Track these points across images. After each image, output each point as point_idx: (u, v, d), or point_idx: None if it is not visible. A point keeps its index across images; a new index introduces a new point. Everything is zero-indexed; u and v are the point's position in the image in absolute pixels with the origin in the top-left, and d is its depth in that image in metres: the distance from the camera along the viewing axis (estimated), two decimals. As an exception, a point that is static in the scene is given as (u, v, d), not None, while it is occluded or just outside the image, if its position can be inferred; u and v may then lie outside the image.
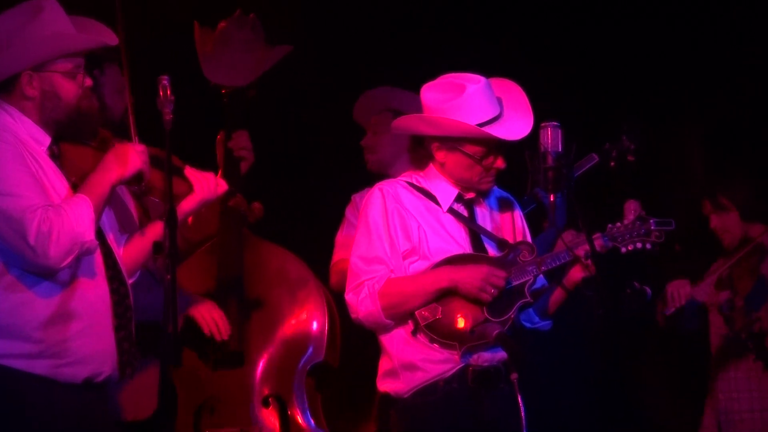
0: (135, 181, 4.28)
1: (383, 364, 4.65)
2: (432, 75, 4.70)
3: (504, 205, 4.81)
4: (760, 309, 5.77)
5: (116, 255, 4.37)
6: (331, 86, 6.67)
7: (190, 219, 5.08)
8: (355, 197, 5.64)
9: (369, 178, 5.51)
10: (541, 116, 4.67)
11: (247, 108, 5.53)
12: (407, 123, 4.70)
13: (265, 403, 5.33)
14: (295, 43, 5.65)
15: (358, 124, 5.87)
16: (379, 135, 5.62)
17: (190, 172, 4.46)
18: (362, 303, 4.57)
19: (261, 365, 5.38)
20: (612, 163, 4.99)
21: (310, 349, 5.42)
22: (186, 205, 4.42)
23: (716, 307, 5.85)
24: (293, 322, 5.44)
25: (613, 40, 6.76)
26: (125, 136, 4.43)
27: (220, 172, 5.28)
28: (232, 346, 5.29)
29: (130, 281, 4.42)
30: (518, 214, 4.83)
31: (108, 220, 4.40)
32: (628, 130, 4.86)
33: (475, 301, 4.52)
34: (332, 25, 6.67)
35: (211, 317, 5.22)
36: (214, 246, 5.50)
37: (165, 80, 4.08)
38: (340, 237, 5.59)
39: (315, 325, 5.44)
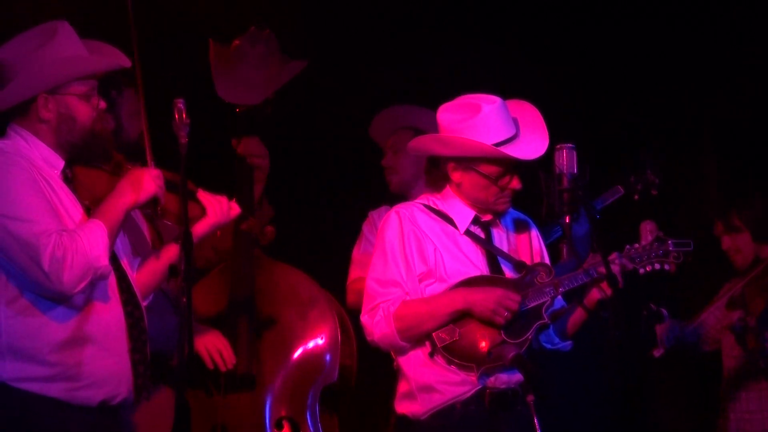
0: (150, 205, 4.27)
1: (401, 387, 4.64)
2: (447, 87, 4.70)
3: (521, 227, 4.81)
4: None
5: (130, 278, 4.36)
6: (343, 99, 6.66)
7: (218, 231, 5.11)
8: (373, 214, 5.64)
9: (384, 194, 5.50)
10: (556, 138, 4.67)
11: (262, 124, 5.50)
12: (423, 144, 4.70)
13: (279, 426, 5.31)
14: (309, 56, 5.62)
15: (374, 141, 5.85)
16: (400, 155, 5.60)
17: (203, 195, 4.46)
18: (377, 325, 4.56)
19: (273, 387, 5.35)
20: (636, 197, 4.98)
21: (323, 370, 5.40)
22: (199, 229, 4.41)
23: (728, 328, 5.83)
24: (305, 342, 5.42)
25: (624, 48, 6.77)
26: (140, 160, 4.41)
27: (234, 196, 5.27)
28: (242, 368, 5.28)
29: (144, 304, 4.42)
30: (535, 235, 4.82)
31: (122, 243, 4.39)
32: (651, 164, 4.85)
33: (491, 323, 4.51)
34: (339, 33, 6.65)
35: (214, 347, 5.22)
36: (226, 267, 5.49)
37: (180, 103, 4.08)
38: (357, 254, 5.58)
39: (327, 345, 5.42)
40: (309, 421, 5.36)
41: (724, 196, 6.60)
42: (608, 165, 5.58)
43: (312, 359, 5.41)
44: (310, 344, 5.42)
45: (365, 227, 5.64)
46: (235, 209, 4.51)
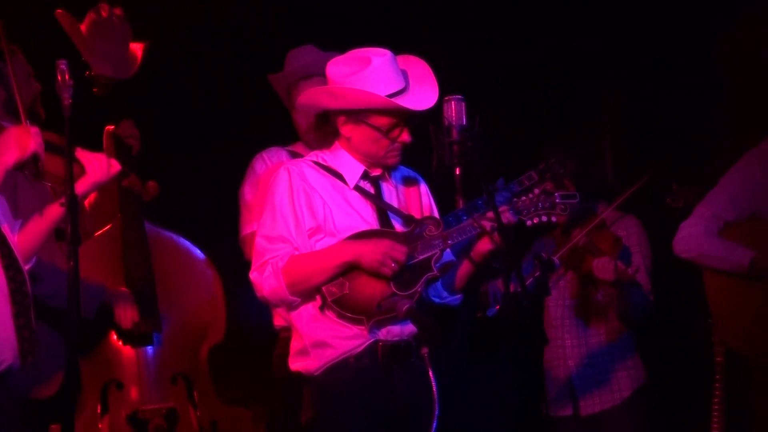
0: (30, 165, 4.17)
1: (294, 344, 4.63)
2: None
3: (410, 183, 4.81)
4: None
5: (11, 242, 4.27)
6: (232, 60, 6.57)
7: (87, 206, 5.04)
8: (264, 154, 5.50)
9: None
10: (444, 90, 4.65)
11: (130, 97, 5.51)
12: (313, 98, 4.65)
13: (174, 382, 5.37)
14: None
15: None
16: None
17: (81, 154, 4.38)
18: (266, 281, 4.53)
19: (167, 345, 5.41)
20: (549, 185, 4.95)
21: (210, 329, 5.55)
22: (80, 188, 4.33)
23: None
24: (193, 303, 5.54)
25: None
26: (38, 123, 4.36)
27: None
28: (143, 327, 5.32)
29: (26, 267, 4.33)
30: (425, 190, 4.83)
31: (0, 208, 4.29)
32: (558, 158, 4.82)
33: (379, 275, 4.50)
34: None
35: (123, 306, 5.27)
36: (115, 233, 5.45)
37: (63, 65, 4.03)
38: (250, 197, 5.43)
39: (213, 306, 5.57)
40: (201, 377, 5.46)
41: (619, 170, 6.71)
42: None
43: (199, 319, 5.54)
44: (198, 305, 5.55)
45: (257, 164, 5.50)
46: (115, 166, 4.46)
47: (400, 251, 4.49)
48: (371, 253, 4.48)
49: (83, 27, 5.43)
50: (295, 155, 5.31)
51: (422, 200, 4.78)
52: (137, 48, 5.59)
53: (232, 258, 5.45)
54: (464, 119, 4.69)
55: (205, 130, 6.54)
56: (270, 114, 5.77)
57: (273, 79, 5.56)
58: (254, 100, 6.09)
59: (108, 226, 5.43)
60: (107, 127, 5.49)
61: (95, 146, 4.91)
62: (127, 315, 5.25)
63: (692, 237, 5.38)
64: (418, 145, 4.65)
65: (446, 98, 4.69)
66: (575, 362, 5.77)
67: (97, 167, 4.36)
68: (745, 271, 5.20)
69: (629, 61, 6.68)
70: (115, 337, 5.31)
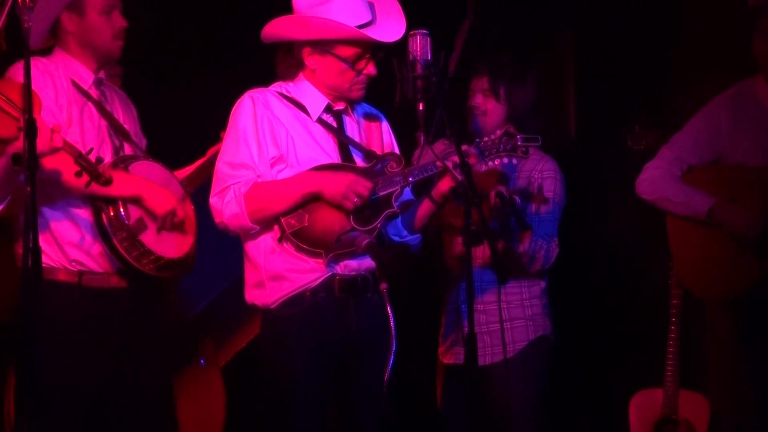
0: None
1: (249, 276, 4.61)
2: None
3: (372, 119, 4.78)
4: None
5: None
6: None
7: None
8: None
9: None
10: (410, 25, 4.62)
11: None
12: (279, 28, 4.59)
13: None
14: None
15: None
16: None
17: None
18: (227, 206, 4.51)
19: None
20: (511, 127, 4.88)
21: None
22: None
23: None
24: None
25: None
26: None
27: None
28: None
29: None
30: (386, 128, 4.81)
31: None
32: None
33: (341, 208, 4.50)
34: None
35: None
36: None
37: None
38: None
39: None
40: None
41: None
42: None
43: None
44: None
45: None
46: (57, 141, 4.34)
47: (364, 186, 4.48)
48: (335, 185, 4.47)
49: None
50: None
51: (383, 138, 4.77)
52: None
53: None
54: (429, 54, 4.66)
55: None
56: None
57: None
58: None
59: None
60: None
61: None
62: None
63: (654, 179, 5.37)
64: (381, 81, 4.62)
65: (411, 33, 4.65)
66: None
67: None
68: (703, 219, 5.21)
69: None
70: None
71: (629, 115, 6.09)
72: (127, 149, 4.71)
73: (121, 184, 4.49)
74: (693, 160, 5.35)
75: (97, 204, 4.53)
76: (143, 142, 4.89)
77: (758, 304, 5.13)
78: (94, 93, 4.69)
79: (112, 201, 4.52)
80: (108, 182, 4.34)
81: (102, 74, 4.76)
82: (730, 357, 5.30)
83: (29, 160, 3.85)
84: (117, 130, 4.69)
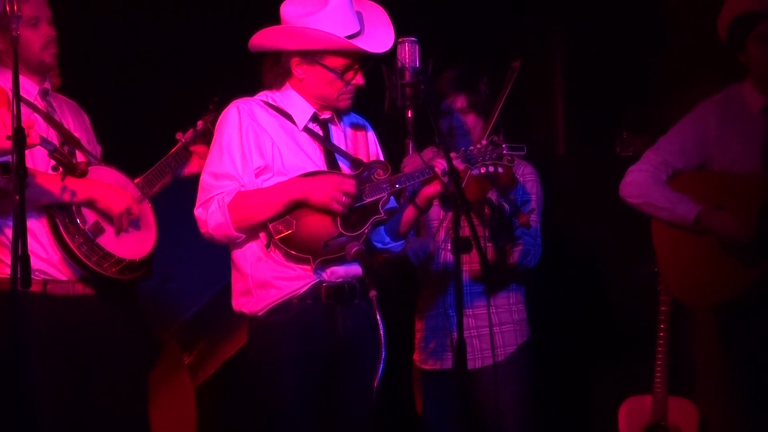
0: None
1: (236, 284, 4.62)
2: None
3: (358, 129, 4.80)
4: None
5: None
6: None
7: None
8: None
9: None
10: (399, 32, 4.63)
11: None
12: (267, 38, 4.60)
13: None
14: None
15: None
16: None
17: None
18: (211, 216, 4.51)
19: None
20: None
21: None
22: None
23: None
24: None
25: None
26: None
27: None
28: None
29: None
30: (372, 137, 4.82)
31: None
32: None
33: (329, 213, 4.50)
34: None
35: None
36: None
37: None
38: None
39: None
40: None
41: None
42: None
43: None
44: None
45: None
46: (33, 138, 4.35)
47: (349, 183, 4.49)
48: (321, 188, 4.47)
49: None
50: None
51: (369, 147, 4.78)
52: None
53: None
54: (417, 61, 4.68)
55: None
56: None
57: None
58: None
59: None
60: None
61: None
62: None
63: (639, 183, 5.34)
64: (370, 89, 4.62)
65: (400, 40, 4.69)
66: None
67: None
68: (689, 226, 5.21)
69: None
70: None
71: (618, 122, 6.09)
72: (80, 157, 4.70)
73: (72, 189, 4.51)
74: (679, 165, 5.34)
75: (51, 212, 4.54)
76: (97, 149, 4.90)
77: (746, 311, 5.12)
78: (40, 104, 4.70)
79: (65, 207, 4.53)
80: (83, 174, 4.36)
81: (47, 84, 4.78)
82: (718, 363, 5.30)
83: (18, 169, 3.86)
84: (67, 139, 4.68)
